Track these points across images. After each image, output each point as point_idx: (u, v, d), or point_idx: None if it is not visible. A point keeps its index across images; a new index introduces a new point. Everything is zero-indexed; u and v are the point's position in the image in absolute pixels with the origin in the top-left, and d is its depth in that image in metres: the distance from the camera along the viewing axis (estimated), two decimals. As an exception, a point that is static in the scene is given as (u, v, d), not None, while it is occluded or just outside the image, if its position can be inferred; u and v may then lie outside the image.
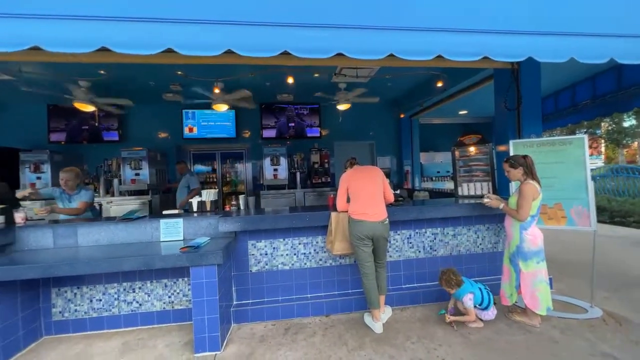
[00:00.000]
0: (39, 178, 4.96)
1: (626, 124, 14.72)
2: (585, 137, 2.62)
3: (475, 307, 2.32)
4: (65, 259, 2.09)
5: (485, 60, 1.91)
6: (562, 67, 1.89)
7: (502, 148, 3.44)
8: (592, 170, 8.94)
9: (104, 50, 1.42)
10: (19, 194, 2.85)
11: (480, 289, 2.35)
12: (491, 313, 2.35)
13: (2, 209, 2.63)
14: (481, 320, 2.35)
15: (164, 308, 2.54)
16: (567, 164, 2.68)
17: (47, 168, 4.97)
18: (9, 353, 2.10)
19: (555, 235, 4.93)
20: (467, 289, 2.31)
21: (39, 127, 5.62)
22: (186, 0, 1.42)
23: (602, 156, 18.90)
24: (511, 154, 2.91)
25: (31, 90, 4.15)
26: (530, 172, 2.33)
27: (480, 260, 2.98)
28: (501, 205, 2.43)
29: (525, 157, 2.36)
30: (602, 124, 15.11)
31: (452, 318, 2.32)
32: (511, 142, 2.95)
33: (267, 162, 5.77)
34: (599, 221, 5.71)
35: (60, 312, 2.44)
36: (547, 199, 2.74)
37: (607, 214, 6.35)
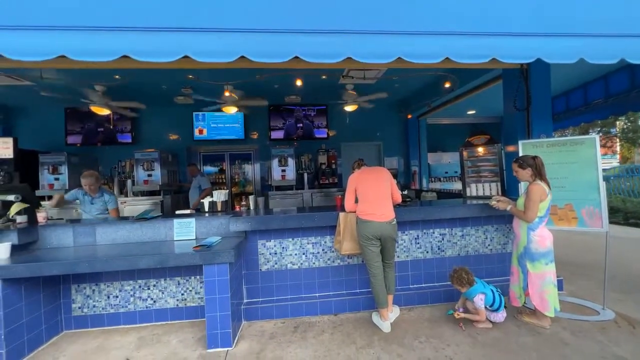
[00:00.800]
0: (57, 179, 5.15)
1: (642, 123, 14.24)
2: (597, 137, 2.59)
3: (485, 307, 2.32)
4: (85, 256, 2.19)
5: (493, 62, 1.93)
6: (573, 66, 1.88)
7: (510, 148, 3.42)
8: (606, 170, 8.72)
9: (124, 57, 1.51)
10: (49, 203, 3.02)
11: (492, 290, 2.34)
12: (501, 315, 2.34)
13: (25, 208, 2.76)
14: (490, 321, 2.35)
15: (177, 305, 2.62)
16: (579, 164, 2.65)
17: (64, 169, 5.16)
18: (32, 346, 2.21)
19: (566, 237, 4.85)
20: (479, 289, 2.31)
21: (56, 130, 5.85)
22: (201, 10, 1.49)
23: (617, 156, 18.35)
24: (520, 154, 2.90)
25: (50, 95, 4.33)
26: (539, 173, 2.31)
27: (489, 261, 2.97)
28: (509, 207, 2.43)
29: (535, 157, 2.34)
30: (617, 122, 14.68)
31: (462, 314, 2.32)
32: (520, 142, 2.93)
33: (275, 163, 5.84)
34: (612, 222, 5.58)
35: (79, 308, 2.55)
36: (557, 199, 2.72)
37: (622, 215, 6.19)
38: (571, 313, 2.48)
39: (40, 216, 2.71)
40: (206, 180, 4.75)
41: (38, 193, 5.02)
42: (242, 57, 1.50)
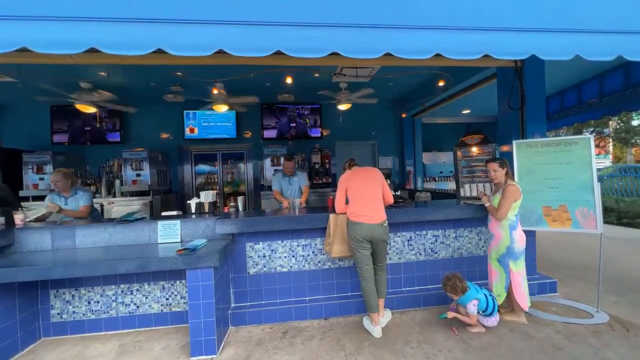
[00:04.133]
0: (41, 179, 5.00)
1: (635, 123, 14.41)
2: (592, 137, 2.55)
3: (478, 313, 2.26)
4: (63, 261, 2.08)
5: (486, 59, 1.86)
6: (568, 65, 1.84)
7: (505, 148, 3.36)
8: (599, 170, 8.77)
9: (95, 51, 1.41)
10: (35, 217, 2.84)
11: (485, 295, 2.29)
12: (494, 320, 2.29)
13: (2, 210, 2.64)
14: (483, 326, 2.29)
15: (161, 310, 2.53)
16: (573, 164, 2.61)
17: (49, 169, 5.00)
18: (6, 355, 2.10)
19: (560, 238, 4.83)
20: (472, 295, 2.26)
21: (42, 129, 5.67)
22: (175, 0, 1.39)
23: (610, 156, 18.55)
24: (514, 154, 2.85)
25: (38, 95, 4.18)
26: (511, 174, 2.46)
27: (482, 263, 2.92)
28: (487, 204, 2.49)
29: (504, 160, 2.49)
30: (610, 122, 14.82)
31: (454, 314, 2.29)
32: (514, 142, 2.88)
33: (268, 162, 5.75)
34: (606, 222, 5.59)
35: (58, 314, 2.44)
36: (551, 200, 2.68)
37: (615, 215, 6.21)
38: (565, 316, 2.44)
39: (18, 218, 2.60)
40: (305, 177, 3.78)
41: (22, 193, 4.87)
42: (221, 51, 1.42)
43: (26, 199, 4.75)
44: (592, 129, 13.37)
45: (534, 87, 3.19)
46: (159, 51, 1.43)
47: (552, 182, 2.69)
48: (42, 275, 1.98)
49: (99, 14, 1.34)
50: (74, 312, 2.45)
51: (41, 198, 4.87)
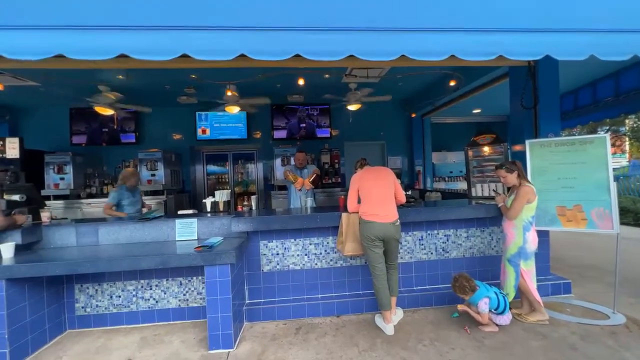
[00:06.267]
0: (62, 179, 5.20)
1: (653, 121, 13.90)
2: (607, 136, 2.52)
3: (490, 311, 2.27)
4: (88, 257, 2.19)
5: (500, 59, 1.87)
6: (582, 63, 1.82)
7: (517, 148, 3.34)
8: (615, 169, 8.53)
9: (123, 56, 1.49)
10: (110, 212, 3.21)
11: (496, 293, 2.30)
12: (507, 318, 2.30)
13: (29, 208, 2.78)
14: (496, 325, 2.30)
15: (179, 305, 2.62)
16: (588, 164, 2.59)
17: (69, 169, 5.20)
18: (36, 345, 2.22)
19: (574, 238, 4.75)
20: (483, 293, 2.27)
21: (61, 130, 5.90)
22: (200, 7, 1.47)
23: (627, 155, 17.97)
24: (527, 154, 2.84)
25: (55, 94, 4.35)
26: (524, 175, 2.43)
27: (495, 263, 2.91)
28: (500, 204, 2.51)
29: (514, 162, 2.47)
30: (627, 121, 14.36)
31: (465, 308, 2.31)
32: (527, 142, 2.86)
33: (278, 162, 5.83)
34: (622, 223, 5.44)
35: (82, 307, 2.56)
36: (566, 200, 2.66)
37: (632, 216, 6.05)
38: (580, 317, 2.42)
39: (44, 216, 2.73)
40: (313, 167, 3.93)
41: (43, 193, 5.07)
42: (242, 55, 1.48)
43: (47, 198, 4.95)
44: (607, 128, 12.99)
45: (548, 86, 3.16)
46: (183, 56, 1.51)
47: (566, 181, 2.66)
48: (70, 269, 2.09)
49: (129, 23, 1.42)
50: (97, 306, 2.57)
51: (62, 197, 5.10)
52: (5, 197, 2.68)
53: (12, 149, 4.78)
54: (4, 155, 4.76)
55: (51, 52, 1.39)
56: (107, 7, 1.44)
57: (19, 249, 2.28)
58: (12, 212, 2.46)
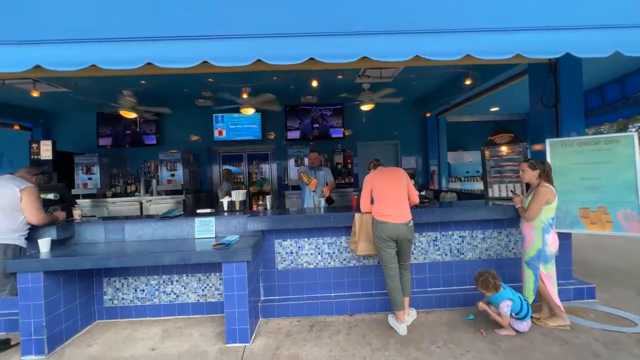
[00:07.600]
0: (90, 179, 5.52)
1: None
2: (635, 134, 2.41)
3: (511, 315, 2.22)
4: (115, 252, 2.34)
5: (518, 57, 1.84)
6: (608, 58, 1.74)
7: (537, 147, 3.24)
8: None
9: (148, 65, 1.60)
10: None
11: (520, 298, 2.25)
12: (526, 324, 2.23)
13: (62, 206, 2.99)
14: (514, 329, 2.24)
15: (198, 300, 2.73)
16: (614, 163, 2.48)
17: (96, 169, 5.51)
18: (69, 333, 2.40)
19: (598, 240, 4.53)
20: (507, 295, 2.22)
21: (89, 133, 6.26)
22: (218, 18, 1.55)
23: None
24: (548, 153, 2.75)
25: (83, 99, 4.63)
26: (546, 176, 2.35)
27: (512, 266, 2.84)
28: (518, 205, 2.45)
29: (544, 162, 2.41)
30: (661, 117, 13.43)
31: (484, 306, 2.27)
32: (548, 141, 2.77)
33: (291, 162, 5.91)
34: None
35: (110, 300, 2.72)
36: (589, 202, 2.56)
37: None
38: (604, 323, 2.33)
39: (76, 214, 2.92)
40: (330, 173, 3.99)
41: (73, 192, 5.40)
42: (258, 60, 1.54)
43: (77, 197, 5.27)
44: (639, 125, 12.21)
45: (570, 83, 3.05)
46: (203, 62, 1.59)
47: (590, 182, 2.56)
48: (99, 264, 2.25)
49: (154, 34, 1.52)
50: (123, 299, 2.73)
51: (90, 196, 5.41)
52: (42, 195, 2.90)
53: (46, 150, 5.14)
54: (39, 157, 5.12)
55: (86, 63, 1.51)
56: (134, 20, 1.55)
57: (53, 244, 2.47)
58: (48, 210, 2.66)
